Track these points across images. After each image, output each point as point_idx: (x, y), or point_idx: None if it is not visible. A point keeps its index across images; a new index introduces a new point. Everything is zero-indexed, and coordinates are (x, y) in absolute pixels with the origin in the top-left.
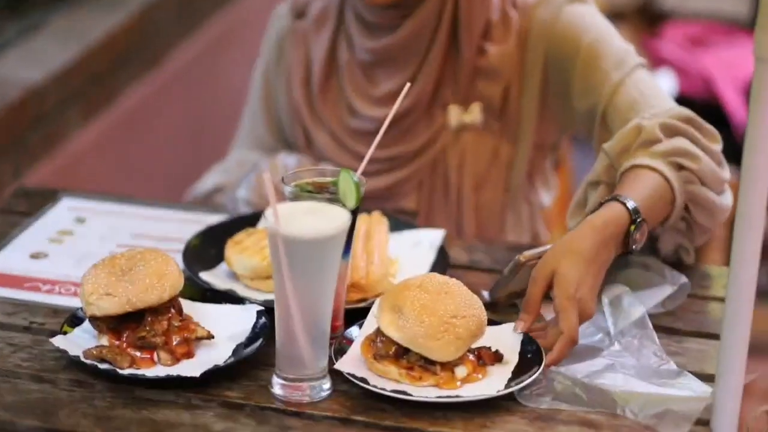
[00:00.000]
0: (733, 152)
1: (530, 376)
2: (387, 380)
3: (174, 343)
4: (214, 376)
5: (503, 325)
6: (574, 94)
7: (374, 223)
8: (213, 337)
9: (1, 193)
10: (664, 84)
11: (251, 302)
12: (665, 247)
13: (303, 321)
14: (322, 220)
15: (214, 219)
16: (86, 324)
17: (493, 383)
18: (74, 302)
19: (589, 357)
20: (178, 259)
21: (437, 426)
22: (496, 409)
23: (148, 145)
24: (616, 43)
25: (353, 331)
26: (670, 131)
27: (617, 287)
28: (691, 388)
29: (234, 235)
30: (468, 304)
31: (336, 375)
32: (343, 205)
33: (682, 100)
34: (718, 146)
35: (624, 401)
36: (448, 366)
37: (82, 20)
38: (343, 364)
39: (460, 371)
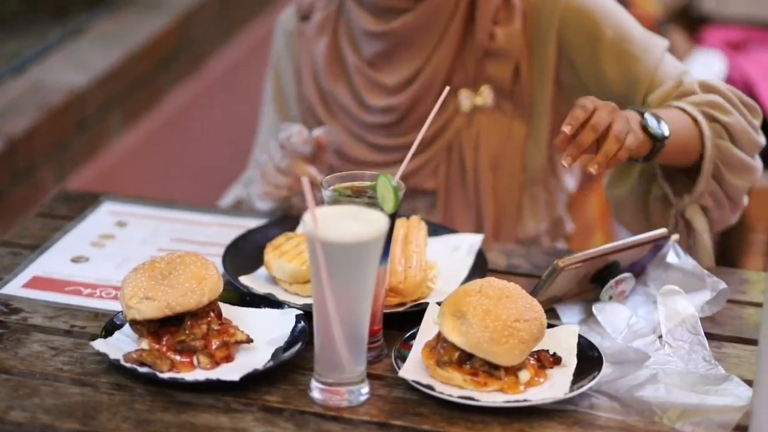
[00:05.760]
0: None
1: (592, 379)
2: (451, 386)
3: (213, 347)
4: (254, 381)
5: (559, 328)
6: (604, 79)
7: (413, 227)
8: (252, 341)
9: (44, 197)
10: (717, 67)
11: (290, 306)
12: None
13: (341, 325)
14: (360, 224)
15: (253, 223)
16: (126, 328)
17: (556, 387)
18: (115, 306)
19: (633, 369)
20: (218, 263)
21: (475, 430)
22: (534, 414)
23: (189, 149)
24: (636, 27)
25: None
26: (708, 89)
27: (672, 287)
28: (735, 393)
29: (273, 239)
30: (529, 308)
31: (374, 379)
32: (382, 209)
33: None
34: (756, 117)
35: (663, 410)
36: (512, 370)
37: (124, 25)
38: (407, 372)
39: (524, 375)
